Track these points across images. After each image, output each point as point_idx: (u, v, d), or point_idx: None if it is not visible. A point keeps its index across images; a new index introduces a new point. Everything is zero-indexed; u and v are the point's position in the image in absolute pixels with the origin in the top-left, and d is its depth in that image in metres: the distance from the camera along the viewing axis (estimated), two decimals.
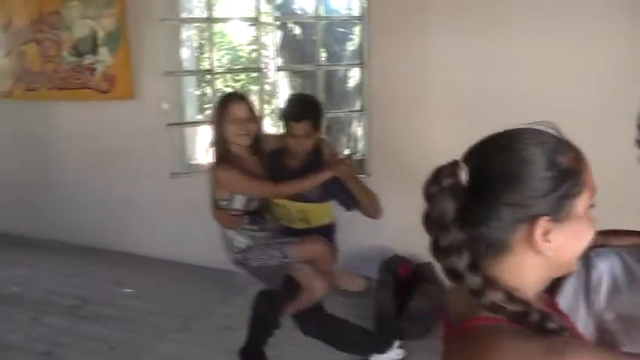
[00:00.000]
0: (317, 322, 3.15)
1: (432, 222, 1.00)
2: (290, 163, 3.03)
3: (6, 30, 5.48)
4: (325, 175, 2.83)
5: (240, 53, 6.98)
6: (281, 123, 3.03)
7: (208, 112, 5.70)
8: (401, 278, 3.94)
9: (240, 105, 2.82)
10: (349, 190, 2.94)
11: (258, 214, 2.91)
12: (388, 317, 3.72)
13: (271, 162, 2.99)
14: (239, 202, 2.86)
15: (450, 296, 1.13)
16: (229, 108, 2.81)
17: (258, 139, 2.90)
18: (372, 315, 3.79)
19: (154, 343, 3.81)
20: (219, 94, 4.00)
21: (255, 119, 2.87)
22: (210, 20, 4.39)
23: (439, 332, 1.15)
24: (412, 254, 4.09)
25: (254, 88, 6.21)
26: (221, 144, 2.85)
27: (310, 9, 5.31)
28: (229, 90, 4.55)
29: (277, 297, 3.05)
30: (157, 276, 4.88)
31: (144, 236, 5.22)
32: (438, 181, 0.99)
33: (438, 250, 0.99)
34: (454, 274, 0.98)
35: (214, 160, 2.88)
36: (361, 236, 3.87)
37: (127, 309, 4.30)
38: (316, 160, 3.01)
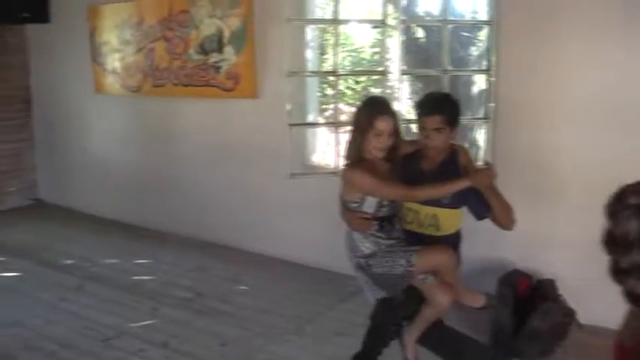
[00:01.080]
0: (435, 334, 3.13)
1: (613, 241, 0.97)
2: (425, 166, 3.03)
3: (138, 28, 5.84)
4: (463, 184, 2.79)
5: (362, 55, 7.06)
6: (415, 117, 3.04)
7: (328, 113, 5.82)
8: (520, 294, 3.86)
9: (388, 121, 2.80)
10: (485, 199, 2.93)
11: (387, 220, 2.91)
12: (505, 334, 3.66)
13: (405, 165, 2.97)
14: (369, 206, 2.85)
15: (627, 319, 1.10)
16: (376, 122, 2.78)
17: (395, 149, 2.90)
18: (488, 330, 3.74)
19: (265, 342, 3.94)
20: (361, 96, 4.01)
21: (397, 133, 2.86)
22: (336, 22, 4.48)
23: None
24: (532, 269, 4.00)
25: (375, 90, 6.27)
26: (356, 148, 2.86)
27: (435, 12, 5.30)
28: (372, 93, 4.53)
29: (397, 306, 3.07)
30: (272, 275, 5.04)
31: (261, 235, 5.40)
32: (623, 199, 0.97)
33: (617, 271, 0.97)
34: (634, 297, 0.95)
35: (346, 161, 2.93)
36: (478, 247, 3.83)
37: (241, 306, 4.47)
38: (452, 166, 2.99)
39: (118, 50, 6.06)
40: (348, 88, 6.66)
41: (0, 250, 5.75)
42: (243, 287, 4.82)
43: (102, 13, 6.14)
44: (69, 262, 5.41)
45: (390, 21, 4.68)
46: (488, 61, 4.21)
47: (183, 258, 5.43)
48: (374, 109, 2.87)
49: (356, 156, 2.87)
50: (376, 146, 2.82)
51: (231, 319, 4.27)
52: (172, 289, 4.77)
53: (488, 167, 2.95)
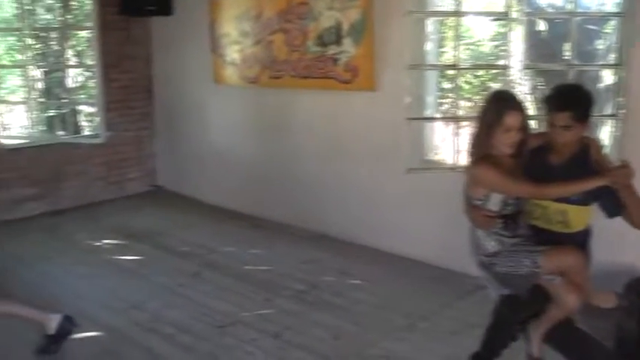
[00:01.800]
0: (562, 333, 3.06)
1: None
2: (553, 161, 2.96)
3: (257, 20, 5.99)
4: (598, 182, 2.71)
5: (482, 49, 6.94)
6: (544, 111, 2.96)
7: (444, 107, 5.77)
8: None
9: (517, 116, 2.76)
10: (617, 196, 2.83)
11: (511, 218, 2.88)
12: (631, 343, 3.52)
13: (532, 159, 2.91)
14: (494, 204, 2.83)
15: None
16: (504, 117, 2.75)
17: (523, 144, 2.84)
18: (612, 336, 3.61)
19: (378, 338, 3.98)
20: (480, 90, 3.97)
21: (526, 128, 2.82)
22: (457, 14, 4.44)
23: None
24: None
25: (494, 85, 6.16)
26: (483, 143, 2.84)
27: (559, 4, 5.15)
28: (499, 87, 4.46)
29: (522, 304, 3.02)
30: (386, 270, 5.07)
31: (375, 229, 5.44)
32: None
33: None
34: None
35: (472, 157, 2.91)
36: (603, 249, 3.70)
37: (354, 300, 4.52)
38: (583, 160, 2.91)
39: (237, 42, 6.24)
40: (465, 82, 6.58)
41: (122, 233, 6.08)
42: (357, 281, 4.86)
43: (222, 6, 6.34)
44: (187, 248, 5.65)
45: (514, 13, 4.57)
46: (619, 54, 4.05)
47: (298, 250, 5.55)
48: (502, 104, 2.82)
49: (482, 151, 2.84)
50: (505, 142, 2.78)
51: (345, 313, 4.33)
52: (286, 281, 4.89)
53: (627, 165, 2.81)
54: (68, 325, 3.81)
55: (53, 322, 3.77)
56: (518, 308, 3.04)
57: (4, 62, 9.25)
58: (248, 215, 6.48)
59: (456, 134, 4.66)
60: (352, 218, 5.62)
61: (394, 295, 4.61)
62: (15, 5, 7.68)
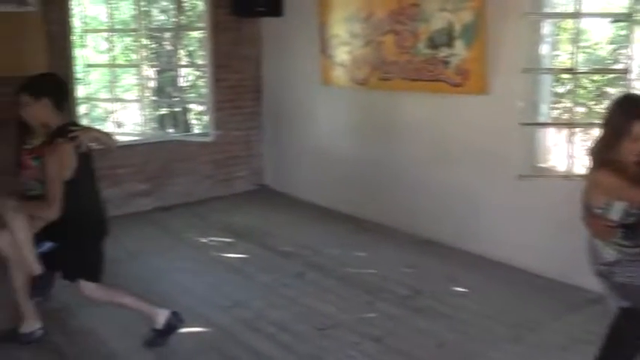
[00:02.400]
0: None
1: None
2: None
3: (367, 21, 6.04)
4: None
5: (599, 52, 6.71)
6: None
7: (557, 112, 5.63)
8: None
9: None
10: None
11: (632, 228, 2.77)
12: None
13: None
14: (616, 213, 2.75)
15: None
16: (633, 126, 2.66)
17: None
18: None
19: (484, 348, 3.93)
20: (601, 96, 3.86)
21: None
22: (576, 15, 4.33)
23: None
24: None
25: (611, 90, 5.96)
26: (606, 149, 2.77)
27: None
28: (629, 92, 4.31)
29: None
30: (493, 279, 5.00)
31: (482, 236, 5.37)
32: None
33: None
34: None
35: (593, 162, 2.84)
36: None
37: (459, 308, 4.48)
38: None
39: (346, 43, 6.31)
40: (579, 86, 6.39)
41: (228, 231, 6.27)
42: (461, 288, 4.82)
43: (332, 7, 6.43)
44: (291, 248, 5.76)
45: (638, 15, 4.41)
46: None
47: (401, 254, 5.56)
48: (632, 111, 2.72)
49: (605, 157, 2.76)
50: (632, 151, 2.69)
51: (449, 320, 4.30)
52: (390, 284, 4.90)
53: None
54: (175, 320, 3.98)
55: (161, 317, 3.94)
56: (639, 322, 2.93)
57: (120, 61, 9.69)
58: (352, 217, 6.54)
59: (570, 140, 4.54)
60: (457, 224, 5.57)
61: (499, 304, 4.54)
62: (132, 7, 8.06)
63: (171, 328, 3.96)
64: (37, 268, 3.73)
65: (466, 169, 5.43)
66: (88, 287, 3.87)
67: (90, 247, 3.89)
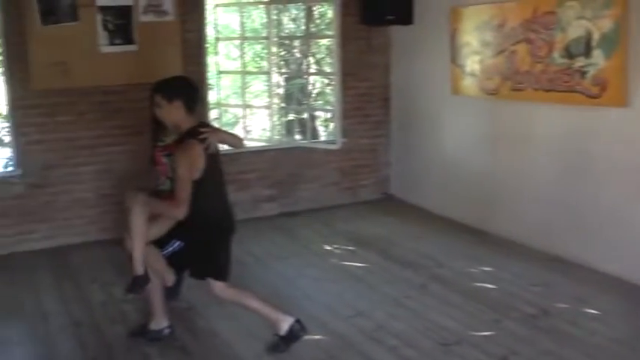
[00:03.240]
0: None
1: None
2: None
3: (499, 30, 5.92)
4: None
5: None
6: None
7: None
8: None
9: None
10: None
11: None
12: None
13: None
14: None
15: None
16: None
17: None
18: None
19: None
20: None
21: None
22: None
23: None
24: None
25: None
26: None
27: None
28: None
29: None
30: (627, 302, 4.77)
31: (617, 255, 5.12)
32: None
33: None
34: None
35: None
36: None
37: (590, 331, 4.29)
38: None
39: (477, 52, 6.22)
40: None
41: (352, 239, 6.32)
42: (593, 311, 4.61)
43: (464, 15, 6.36)
44: (414, 259, 5.73)
45: None
46: None
47: (529, 270, 5.40)
48: None
49: None
50: None
51: (579, 344, 4.12)
52: (516, 302, 4.77)
53: None
54: (298, 329, 4.04)
55: (285, 324, 4.01)
56: None
57: (251, 68, 10.00)
58: (477, 229, 6.43)
59: None
60: (591, 241, 5.34)
61: (635, 331, 4.32)
62: (263, 15, 8.31)
63: (293, 336, 4.03)
64: (140, 270, 3.89)
65: (602, 183, 5.20)
66: (217, 286, 4.01)
67: (216, 246, 4.01)
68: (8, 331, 4.59)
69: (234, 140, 4.25)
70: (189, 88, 4.00)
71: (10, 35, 5.98)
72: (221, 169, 4.07)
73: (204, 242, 3.95)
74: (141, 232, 3.87)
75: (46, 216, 6.28)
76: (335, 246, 6.17)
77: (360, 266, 5.64)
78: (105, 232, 6.34)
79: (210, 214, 3.91)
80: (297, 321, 4.05)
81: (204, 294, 4.23)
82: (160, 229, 3.99)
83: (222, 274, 4.02)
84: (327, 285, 5.23)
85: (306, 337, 4.08)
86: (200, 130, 3.85)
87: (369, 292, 5.08)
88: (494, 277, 5.29)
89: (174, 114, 3.88)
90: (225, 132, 4.18)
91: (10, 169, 7.28)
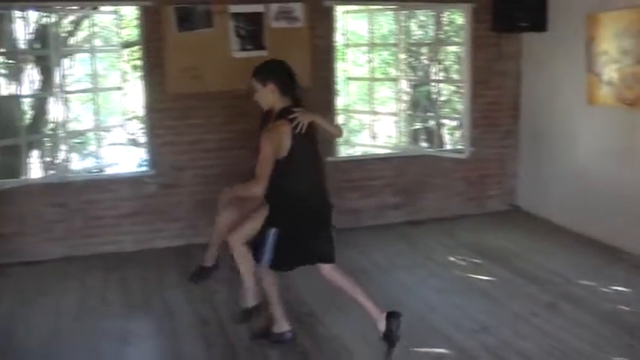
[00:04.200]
0: None
1: None
2: None
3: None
4: None
5: None
6: None
7: None
8: None
9: None
10: None
11: None
12: None
13: None
14: None
15: None
16: None
17: None
18: None
19: None
20: None
21: None
22: None
23: None
24: None
25: None
26: None
27: None
28: None
29: None
30: None
31: None
32: None
33: None
34: None
35: None
36: None
37: None
38: None
39: (616, 60, 5.91)
40: None
41: (477, 251, 6.17)
42: None
43: (601, 22, 6.06)
44: (542, 275, 5.51)
45: None
46: None
47: None
48: None
49: None
50: None
51: None
52: None
53: None
54: (391, 332, 3.99)
55: (381, 324, 4.01)
56: None
57: (377, 75, 9.98)
58: (610, 246, 6.12)
59: None
60: None
61: None
62: (392, 22, 8.27)
63: (388, 337, 4.00)
64: (209, 260, 4.10)
65: None
66: (324, 268, 4.07)
67: (309, 230, 4.03)
68: (137, 325, 4.80)
69: (331, 128, 4.30)
70: (283, 72, 4.06)
71: (149, 42, 6.29)
72: (315, 151, 4.10)
73: (293, 226, 3.98)
74: (222, 222, 4.28)
75: (175, 215, 6.54)
76: (459, 257, 6.04)
77: (484, 279, 5.48)
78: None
79: (295, 195, 3.96)
80: (393, 317, 3.99)
81: (324, 300, 4.26)
82: (254, 225, 4.15)
83: (325, 257, 4.07)
84: (450, 297, 5.12)
85: (428, 349, 4.06)
86: (291, 109, 3.92)
87: (493, 306, 4.93)
88: (629, 298, 5.01)
89: (269, 97, 4.01)
90: (319, 117, 4.17)
91: (144, 169, 7.61)
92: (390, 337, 3.99)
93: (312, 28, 6.57)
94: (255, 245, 4.12)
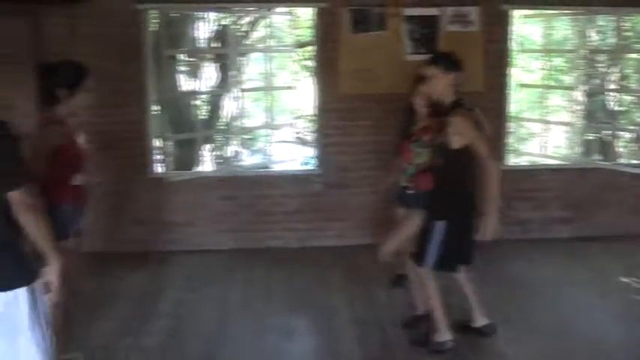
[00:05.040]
0: None
1: None
2: None
3: None
4: None
5: None
6: None
7: None
8: None
9: None
10: None
11: None
12: None
13: None
14: None
15: None
16: None
17: None
18: None
19: None
20: None
21: None
22: None
23: None
24: None
25: None
26: None
27: None
28: None
29: None
30: None
31: None
32: None
33: None
34: None
35: None
36: None
37: None
38: None
39: None
40: None
41: None
42: None
43: None
44: None
45: None
46: None
47: None
48: None
49: None
50: None
51: None
52: None
53: None
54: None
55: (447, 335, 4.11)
56: None
57: (549, 82, 9.50)
58: None
59: None
60: None
61: None
62: (568, 27, 7.81)
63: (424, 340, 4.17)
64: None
65: None
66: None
67: (472, 225, 3.94)
68: (297, 321, 4.81)
69: (488, 127, 4.31)
70: (461, 66, 3.99)
71: (322, 43, 6.32)
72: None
73: (462, 217, 3.93)
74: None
75: (340, 215, 6.53)
76: (635, 280, 5.53)
77: None
78: None
79: (464, 187, 3.93)
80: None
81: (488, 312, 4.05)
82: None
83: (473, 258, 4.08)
84: (625, 323, 4.69)
85: None
86: (464, 103, 3.91)
87: None
88: None
89: (444, 87, 3.90)
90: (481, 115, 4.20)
91: (310, 167, 7.67)
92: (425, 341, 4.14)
93: (487, 33, 6.32)
94: (419, 244, 4.03)
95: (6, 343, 2.59)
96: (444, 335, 4.17)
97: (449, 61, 3.93)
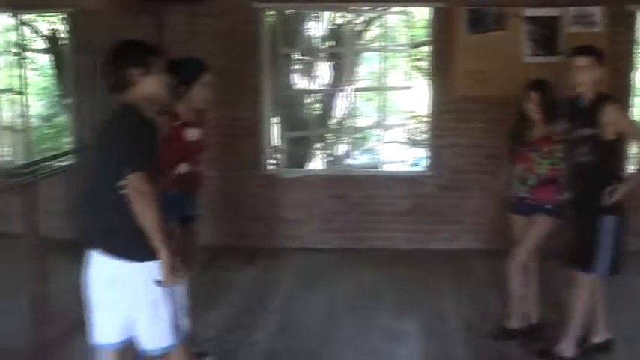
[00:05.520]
0: None
1: None
2: None
3: None
4: None
5: None
6: None
7: None
8: None
9: None
10: None
11: None
12: None
13: None
14: None
15: None
16: None
17: None
18: None
19: None
20: None
21: None
22: None
23: None
24: None
25: None
26: None
27: None
28: None
29: None
30: None
31: None
32: None
33: None
34: None
35: None
36: None
37: None
38: None
39: None
40: None
41: None
42: None
43: None
44: None
45: None
46: None
47: None
48: None
49: None
50: None
51: None
52: None
53: None
54: None
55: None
56: None
57: None
58: None
59: None
60: None
61: None
62: None
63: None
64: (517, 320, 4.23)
65: None
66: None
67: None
68: (407, 325, 4.71)
69: None
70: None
71: (437, 43, 6.20)
72: None
73: (625, 214, 3.70)
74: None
75: (451, 219, 6.38)
76: None
77: None
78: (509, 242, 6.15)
79: (620, 179, 3.72)
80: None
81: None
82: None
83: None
84: None
85: None
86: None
87: None
88: None
89: (590, 80, 3.70)
90: None
91: (421, 169, 7.54)
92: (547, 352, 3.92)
93: (611, 34, 5.96)
94: (584, 247, 3.75)
95: (151, 314, 2.72)
96: (570, 350, 3.89)
97: (601, 54, 3.75)
